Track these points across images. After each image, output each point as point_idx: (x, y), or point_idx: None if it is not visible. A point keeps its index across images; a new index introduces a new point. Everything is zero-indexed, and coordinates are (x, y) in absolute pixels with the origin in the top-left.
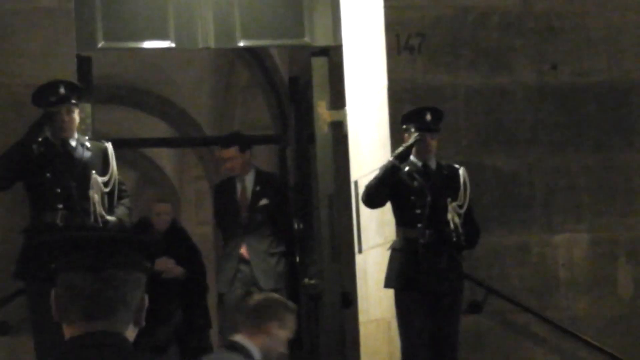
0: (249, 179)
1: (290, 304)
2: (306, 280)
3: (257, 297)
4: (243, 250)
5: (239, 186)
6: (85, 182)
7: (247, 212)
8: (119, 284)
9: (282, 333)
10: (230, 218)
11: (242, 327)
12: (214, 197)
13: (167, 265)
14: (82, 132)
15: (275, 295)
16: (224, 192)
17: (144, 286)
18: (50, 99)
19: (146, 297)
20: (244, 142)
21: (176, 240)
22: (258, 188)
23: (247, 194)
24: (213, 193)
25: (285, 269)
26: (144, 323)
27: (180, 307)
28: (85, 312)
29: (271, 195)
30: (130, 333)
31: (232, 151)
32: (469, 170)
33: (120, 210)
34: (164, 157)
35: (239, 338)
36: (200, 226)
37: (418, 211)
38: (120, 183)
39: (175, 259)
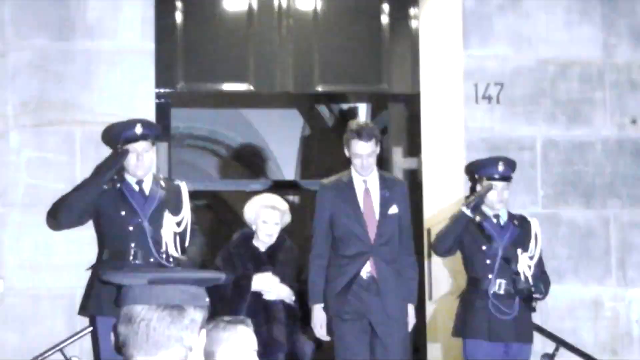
0: (373, 181)
1: None
2: None
3: None
4: (370, 268)
5: (359, 188)
6: (158, 221)
7: (375, 221)
8: (176, 320)
9: None
10: (347, 227)
11: None
12: (322, 197)
13: (268, 284)
14: (158, 171)
15: None
16: (338, 192)
17: (202, 323)
18: (127, 137)
19: (203, 332)
20: (378, 135)
21: (282, 257)
22: (385, 194)
23: (372, 199)
24: (320, 193)
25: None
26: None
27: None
28: (142, 347)
29: (399, 203)
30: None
31: (373, 144)
32: (544, 221)
33: (192, 251)
34: (239, 200)
35: None
36: None
37: (488, 261)
38: (193, 223)
39: (282, 278)
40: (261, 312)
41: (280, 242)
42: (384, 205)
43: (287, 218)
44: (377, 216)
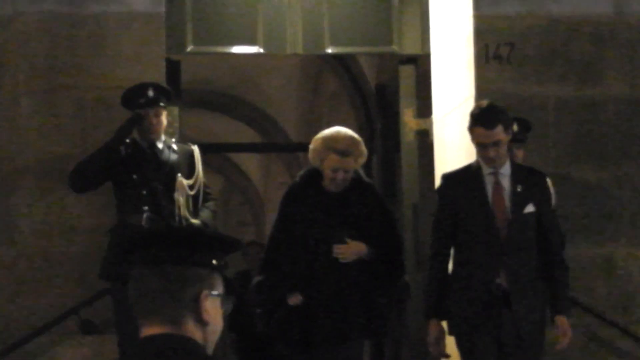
0: (505, 174)
1: None
2: None
3: None
4: (501, 278)
5: (489, 182)
6: (171, 185)
7: (507, 222)
8: (172, 279)
9: None
10: (472, 228)
11: None
12: (443, 190)
13: (340, 250)
14: (169, 135)
15: None
16: (463, 186)
17: (204, 281)
18: (139, 101)
19: (204, 293)
20: (507, 118)
21: (358, 205)
22: (520, 188)
23: (503, 196)
24: (442, 185)
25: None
26: (209, 319)
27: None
28: (141, 308)
29: (537, 199)
30: (194, 332)
31: (500, 131)
32: (556, 181)
33: (205, 214)
34: (250, 163)
35: None
36: None
37: None
38: (205, 186)
39: (356, 231)
40: (334, 279)
41: (356, 183)
42: (517, 202)
43: (362, 159)
44: (508, 215)
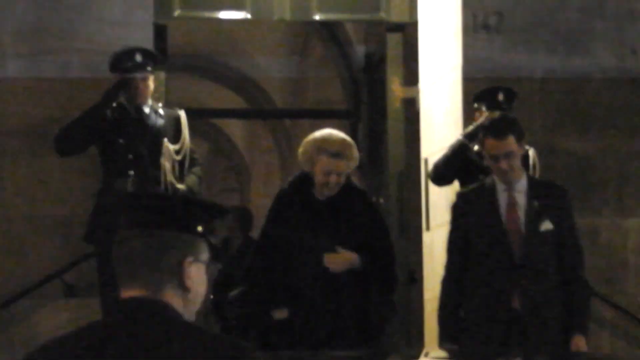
0: (521, 190)
1: None
2: None
3: None
4: (516, 300)
5: (503, 199)
6: (157, 150)
7: (522, 241)
8: (155, 243)
9: None
10: (484, 247)
11: None
12: (456, 208)
13: (330, 259)
14: (156, 100)
15: None
16: (476, 203)
17: (189, 248)
18: (126, 65)
19: (187, 260)
20: (520, 129)
21: (347, 213)
22: (536, 204)
23: (518, 212)
24: (456, 204)
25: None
26: (191, 286)
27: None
28: (123, 271)
29: (556, 215)
30: (173, 297)
31: (512, 142)
32: (541, 152)
33: (191, 179)
34: (235, 129)
35: None
36: (269, 199)
37: None
38: (191, 151)
39: (347, 240)
40: (324, 289)
41: (347, 189)
42: (533, 219)
43: (354, 163)
44: (523, 233)
